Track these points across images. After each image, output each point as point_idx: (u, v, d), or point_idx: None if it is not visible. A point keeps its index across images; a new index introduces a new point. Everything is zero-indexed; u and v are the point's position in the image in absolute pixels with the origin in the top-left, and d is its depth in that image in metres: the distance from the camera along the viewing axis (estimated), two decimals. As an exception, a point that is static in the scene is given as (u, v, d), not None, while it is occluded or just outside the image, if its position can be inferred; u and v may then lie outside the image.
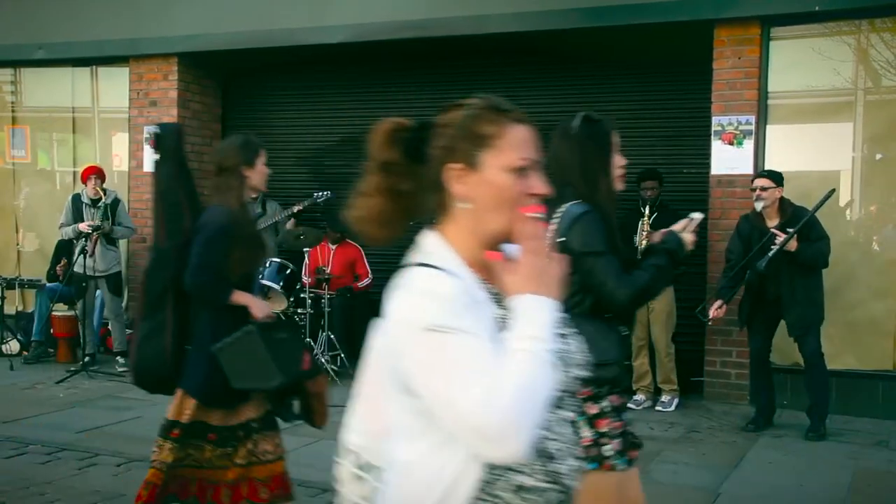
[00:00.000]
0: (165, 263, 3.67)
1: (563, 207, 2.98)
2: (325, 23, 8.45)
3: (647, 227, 6.88)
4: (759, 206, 6.24)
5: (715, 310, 6.25)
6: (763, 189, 6.22)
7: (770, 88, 7.23)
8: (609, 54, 8.30)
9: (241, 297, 3.60)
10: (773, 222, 6.22)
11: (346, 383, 7.80)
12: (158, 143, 3.82)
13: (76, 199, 8.41)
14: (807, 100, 7.31)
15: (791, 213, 6.20)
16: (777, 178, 6.28)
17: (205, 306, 3.62)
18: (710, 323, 6.47)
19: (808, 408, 6.35)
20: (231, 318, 3.57)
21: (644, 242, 6.85)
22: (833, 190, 6.28)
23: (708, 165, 7.41)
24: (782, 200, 6.26)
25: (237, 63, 9.59)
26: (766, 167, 7.26)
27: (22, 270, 10.25)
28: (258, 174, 3.78)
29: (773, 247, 5.99)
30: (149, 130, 3.91)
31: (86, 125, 10.08)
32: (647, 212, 6.91)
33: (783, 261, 6.03)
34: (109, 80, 9.85)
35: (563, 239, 2.89)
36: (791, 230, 6.00)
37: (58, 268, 8.86)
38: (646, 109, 8.21)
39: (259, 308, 3.63)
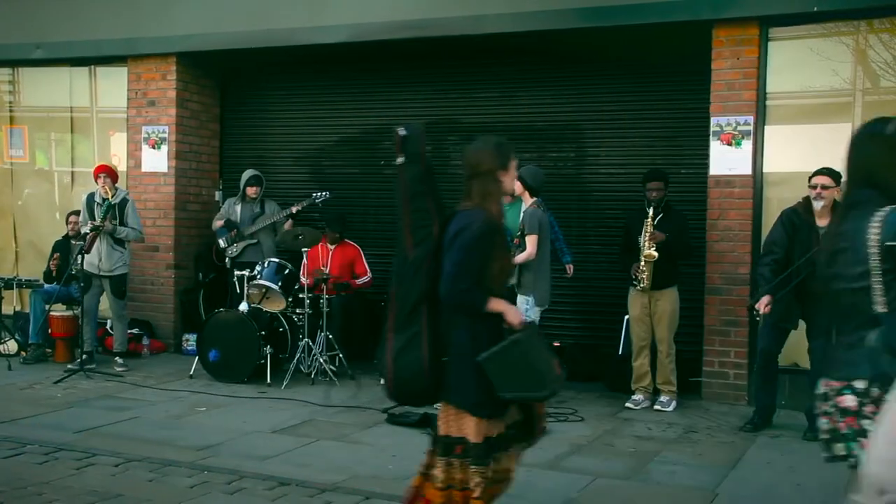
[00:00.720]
0: (416, 272, 3.54)
1: (884, 210, 2.91)
2: (323, 23, 8.45)
3: (650, 228, 6.87)
4: (818, 205, 6.09)
5: (765, 306, 6.07)
6: (824, 188, 6.08)
7: (769, 89, 7.23)
8: (607, 54, 8.31)
9: (496, 305, 3.49)
10: (822, 221, 6.07)
11: (345, 383, 7.80)
12: (404, 145, 3.63)
13: (89, 198, 8.41)
14: (805, 100, 7.31)
15: None
16: (837, 176, 6.11)
17: (461, 315, 3.50)
18: (759, 319, 6.35)
19: (807, 408, 6.34)
20: (487, 327, 3.48)
21: (648, 243, 6.84)
22: None
23: (706, 166, 7.42)
24: (835, 200, 6.11)
25: (235, 63, 9.59)
26: (765, 168, 7.27)
27: (20, 270, 10.25)
28: (510, 178, 3.68)
29: None
30: (397, 132, 3.67)
31: (84, 125, 10.08)
32: (650, 212, 6.90)
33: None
34: (108, 79, 9.84)
35: (893, 243, 2.82)
36: None
37: (51, 263, 8.86)
38: (644, 110, 8.21)
39: (514, 315, 3.52)
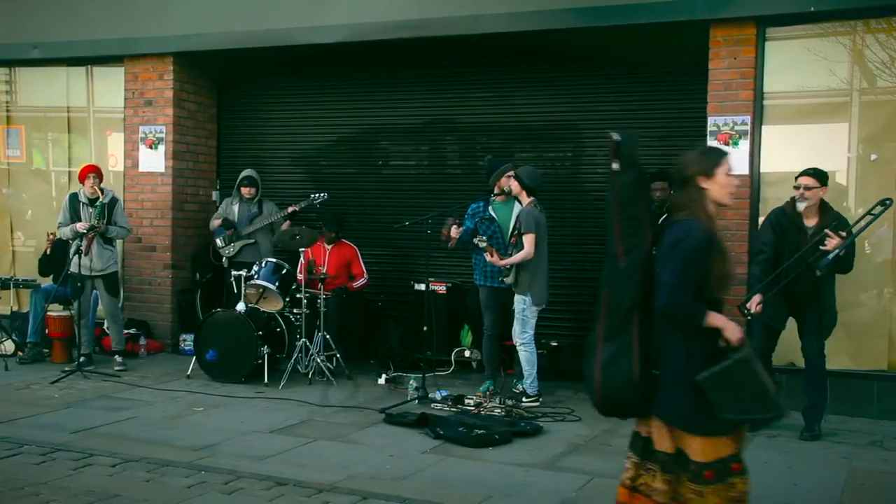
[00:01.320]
0: (628, 280, 3.44)
1: None
2: (320, 22, 8.45)
3: None
4: (801, 206, 6.08)
5: (756, 305, 6.07)
6: (807, 188, 6.06)
7: (765, 89, 7.23)
8: (604, 54, 8.31)
9: (715, 319, 3.37)
10: (811, 220, 6.09)
11: (342, 383, 7.80)
12: (618, 150, 3.50)
13: (73, 198, 8.37)
14: (802, 100, 7.31)
15: (834, 215, 6.11)
16: (822, 177, 6.11)
17: (678, 328, 3.39)
18: (749, 318, 6.39)
19: (804, 408, 6.35)
20: (704, 342, 3.36)
21: None
22: (889, 200, 6.02)
23: (703, 166, 7.40)
24: (822, 200, 6.13)
25: (233, 62, 9.58)
26: (762, 168, 7.27)
27: (17, 270, 10.24)
28: (718, 185, 3.53)
29: (823, 247, 5.85)
30: (611, 136, 3.50)
31: (81, 125, 10.06)
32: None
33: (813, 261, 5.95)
34: (104, 79, 9.83)
35: None
36: (843, 233, 5.91)
37: (46, 242, 8.85)
38: (641, 109, 8.21)
39: (733, 331, 3.37)
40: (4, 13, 9.84)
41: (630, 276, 3.45)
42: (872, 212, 5.93)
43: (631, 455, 3.62)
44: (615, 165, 3.49)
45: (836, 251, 5.82)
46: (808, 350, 6.27)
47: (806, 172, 6.17)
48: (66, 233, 8.26)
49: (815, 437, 6.20)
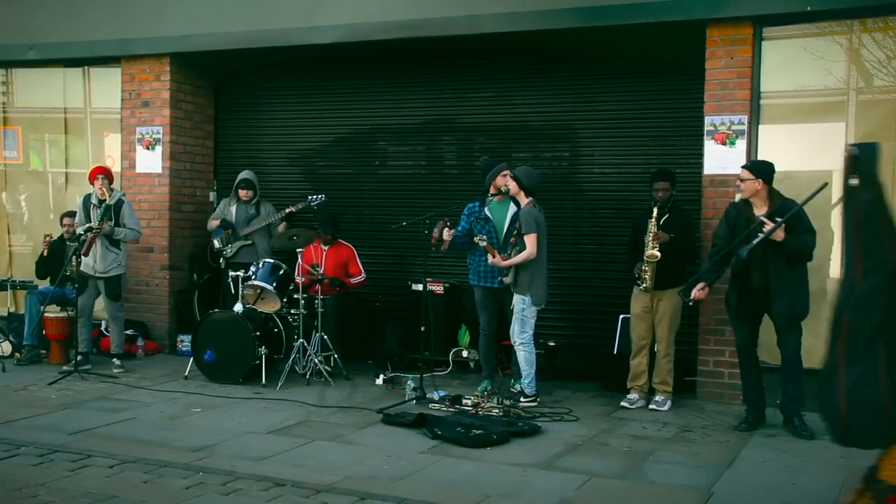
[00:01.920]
0: (872, 303, 3.26)
1: None
2: (317, 23, 8.45)
3: (654, 228, 6.88)
4: (737, 196, 6.46)
5: (697, 291, 6.35)
6: (742, 180, 6.34)
7: (762, 88, 7.25)
8: (602, 54, 8.32)
9: None
10: (760, 211, 6.27)
11: (340, 384, 7.80)
12: (857, 165, 3.29)
13: (86, 199, 8.36)
14: (799, 99, 7.32)
15: (780, 204, 6.24)
16: (757, 169, 6.32)
17: None
18: (690, 304, 6.55)
19: (784, 404, 6.35)
20: None
21: (651, 243, 6.85)
22: (826, 184, 6.18)
23: (701, 165, 7.43)
24: (771, 191, 6.30)
25: (230, 63, 9.58)
26: (759, 167, 7.28)
27: (14, 272, 10.23)
28: None
29: (759, 234, 6.02)
30: (850, 150, 3.29)
31: (78, 126, 10.05)
32: (654, 212, 6.91)
33: (769, 251, 6.09)
34: (101, 80, 9.82)
35: None
36: (779, 219, 6.03)
37: (43, 244, 8.90)
38: (638, 109, 8.22)
39: None
40: (1, 14, 9.83)
41: (873, 298, 3.28)
42: (809, 196, 6.04)
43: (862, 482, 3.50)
44: (854, 181, 3.30)
45: (763, 235, 5.99)
46: (787, 345, 6.32)
47: (744, 165, 6.51)
48: (78, 232, 8.28)
49: (812, 437, 6.17)
